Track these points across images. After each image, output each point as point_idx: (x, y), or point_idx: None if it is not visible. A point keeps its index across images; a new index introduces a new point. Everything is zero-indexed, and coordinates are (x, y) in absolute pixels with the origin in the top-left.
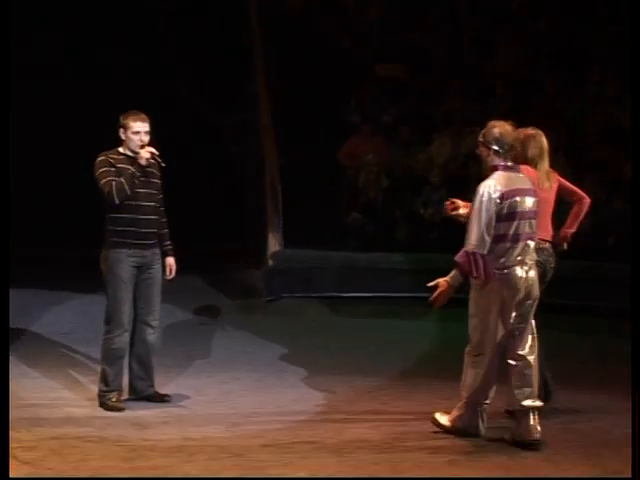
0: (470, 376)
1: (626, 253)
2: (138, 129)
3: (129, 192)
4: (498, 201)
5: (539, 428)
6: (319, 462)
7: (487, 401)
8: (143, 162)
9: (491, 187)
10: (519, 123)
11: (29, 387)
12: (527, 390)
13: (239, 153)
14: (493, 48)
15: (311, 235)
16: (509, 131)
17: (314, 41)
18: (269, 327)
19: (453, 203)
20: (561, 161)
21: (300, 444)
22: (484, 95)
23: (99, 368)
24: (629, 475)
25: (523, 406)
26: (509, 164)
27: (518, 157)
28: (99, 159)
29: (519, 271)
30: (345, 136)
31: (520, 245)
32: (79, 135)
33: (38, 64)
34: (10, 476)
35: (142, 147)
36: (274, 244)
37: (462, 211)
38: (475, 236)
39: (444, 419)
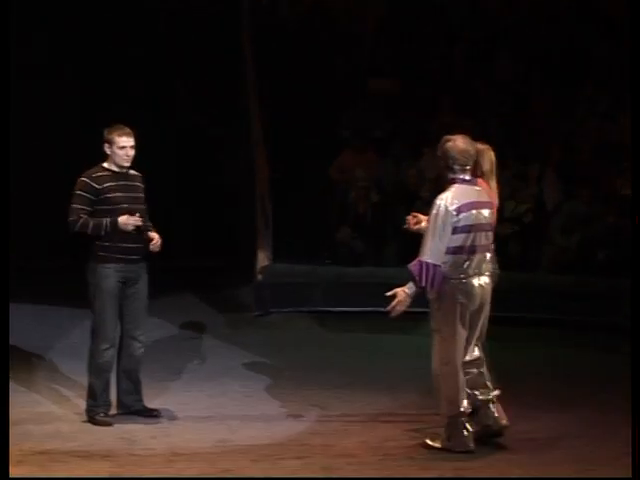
0: (443, 392)
1: (619, 268)
2: (124, 144)
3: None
4: (455, 213)
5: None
6: (308, 477)
7: (463, 410)
8: (128, 229)
9: (448, 200)
10: (512, 138)
11: (17, 401)
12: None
13: (229, 166)
14: (486, 63)
15: (300, 250)
16: (465, 145)
17: (306, 55)
18: (258, 341)
19: (415, 217)
20: (552, 177)
21: (289, 460)
22: (476, 110)
23: (86, 383)
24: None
25: (481, 400)
26: (467, 177)
27: (474, 171)
28: (81, 179)
29: (475, 281)
30: (336, 151)
31: (477, 257)
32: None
33: (37, 64)
34: (10, 476)
35: (129, 214)
36: (263, 258)
37: (424, 224)
38: (429, 247)
39: (437, 443)
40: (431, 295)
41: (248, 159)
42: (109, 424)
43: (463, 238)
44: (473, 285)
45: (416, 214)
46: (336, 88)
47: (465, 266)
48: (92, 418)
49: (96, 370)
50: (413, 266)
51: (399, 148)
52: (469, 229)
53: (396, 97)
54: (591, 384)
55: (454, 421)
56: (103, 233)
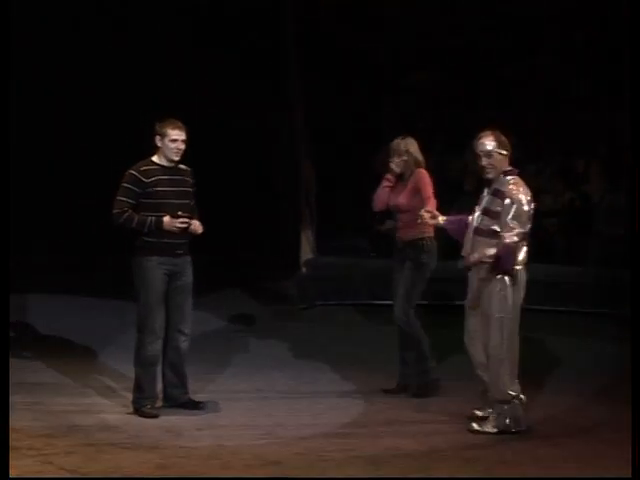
0: (503, 374)
1: None
2: (176, 137)
3: (132, 228)
4: (530, 202)
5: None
6: (354, 471)
7: (520, 395)
8: (175, 230)
9: (525, 189)
10: (548, 130)
11: (64, 393)
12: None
13: (275, 160)
14: (528, 56)
15: (345, 243)
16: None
17: (349, 49)
18: (303, 334)
19: (430, 212)
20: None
21: (334, 452)
22: (515, 103)
23: (133, 375)
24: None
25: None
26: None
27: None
28: (129, 172)
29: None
30: (380, 144)
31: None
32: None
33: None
34: (10, 476)
35: (173, 215)
36: (307, 252)
37: (441, 219)
38: (517, 232)
39: (488, 428)
40: (506, 277)
41: (293, 153)
42: (155, 416)
43: (529, 228)
44: (523, 273)
45: (430, 210)
46: (378, 81)
47: (524, 254)
48: (138, 410)
49: (142, 363)
50: (502, 251)
51: (442, 141)
52: (531, 220)
53: (438, 90)
54: None
55: (513, 402)
56: (146, 230)
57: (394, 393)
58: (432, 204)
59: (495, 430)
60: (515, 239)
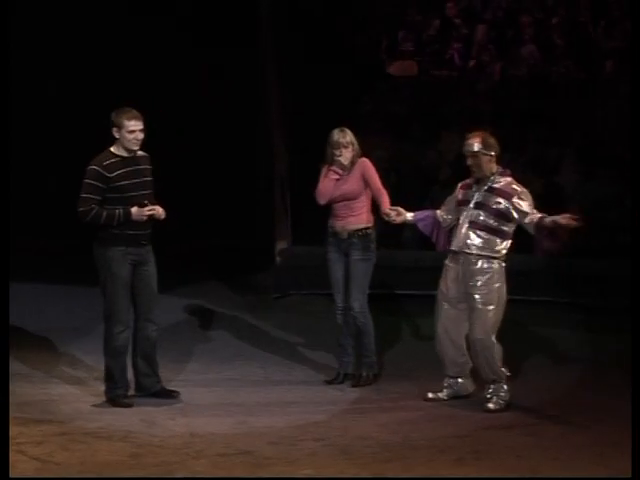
0: (496, 359)
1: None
2: (133, 128)
3: (101, 224)
4: None
5: None
6: (326, 460)
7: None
8: (143, 219)
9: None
10: (531, 121)
11: (36, 383)
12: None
13: (249, 149)
14: (505, 45)
15: (320, 232)
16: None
17: (325, 38)
18: (277, 323)
19: (395, 210)
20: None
21: (307, 441)
22: (495, 93)
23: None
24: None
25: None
26: None
27: None
28: (92, 168)
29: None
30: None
31: None
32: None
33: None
34: (10, 476)
35: (139, 204)
36: (282, 241)
37: (409, 215)
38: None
39: (497, 405)
40: (488, 270)
41: (267, 142)
42: (130, 405)
43: None
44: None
45: (394, 208)
46: (355, 70)
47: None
48: (112, 400)
49: (112, 353)
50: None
51: (418, 130)
52: None
53: (415, 79)
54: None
55: (505, 382)
56: (115, 224)
57: (336, 383)
58: (386, 197)
59: (497, 407)
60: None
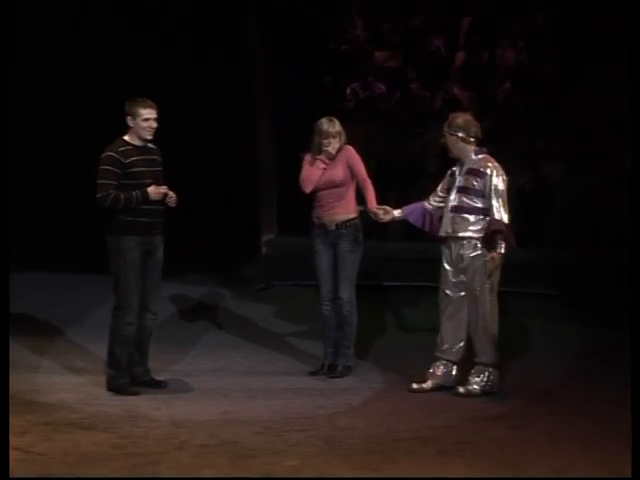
0: (493, 341)
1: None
2: (147, 116)
3: (120, 208)
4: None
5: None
6: (310, 450)
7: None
8: (159, 198)
9: (499, 166)
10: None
11: (20, 372)
12: None
13: (234, 141)
14: (491, 36)
15: (305, 223)
16: (472, 120)
17: (310, 29)
18: (262, 314)
19: (381, 208)
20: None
21: (292, 432)
22: (481, 83)
23: (100, 353)
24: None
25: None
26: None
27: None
28: (108, 154)
29: None
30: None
31: None
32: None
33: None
34: (10, 476)
35: (155, 185)
36: (268, 232)
37: (396, 212)
38: (506, 209)
39: (474, 389)
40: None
41: (252, 132)
42: (137, 393)
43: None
44: None
45: (382, 207)
46: (342, 60)
47: None
48: (118, 387)
49: (122, 342)
50: (502, 227)
51: (403, 121)
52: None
53: (400, 70)
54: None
55: (496, 367)
56: (134, 205)
57: (320, 374)
58: (371, 190)
59: (480, 391)
60: (506, 216)
